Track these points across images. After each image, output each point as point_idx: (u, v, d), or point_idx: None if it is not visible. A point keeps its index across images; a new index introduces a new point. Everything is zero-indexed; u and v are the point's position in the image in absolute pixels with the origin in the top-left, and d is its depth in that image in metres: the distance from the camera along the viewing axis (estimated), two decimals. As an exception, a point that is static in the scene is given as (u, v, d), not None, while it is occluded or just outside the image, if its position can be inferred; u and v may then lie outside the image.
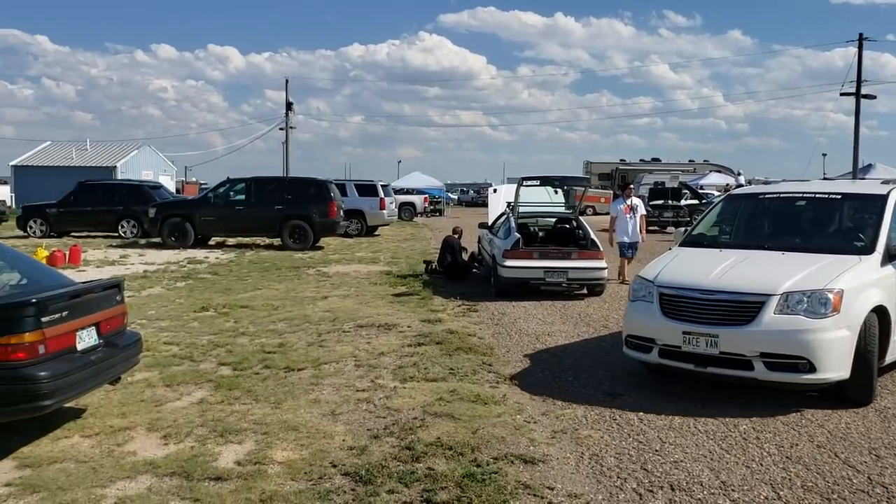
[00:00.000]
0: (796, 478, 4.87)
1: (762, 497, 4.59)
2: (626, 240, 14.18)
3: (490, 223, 15.45)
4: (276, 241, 21.79)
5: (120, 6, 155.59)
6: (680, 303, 6.63)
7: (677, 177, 34.60)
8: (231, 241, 22.85)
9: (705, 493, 4.66)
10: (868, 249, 6.90)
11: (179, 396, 6.67)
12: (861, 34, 40.85)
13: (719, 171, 46.73)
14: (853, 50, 41.09)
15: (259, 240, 22.73)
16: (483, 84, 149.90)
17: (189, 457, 5.16)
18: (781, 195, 8.41)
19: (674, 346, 6.56)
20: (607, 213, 42.11)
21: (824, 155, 72.08)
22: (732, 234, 8.24)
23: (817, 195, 8.10)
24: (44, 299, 5.16)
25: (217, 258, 18.77)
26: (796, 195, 8.42)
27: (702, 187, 33.56)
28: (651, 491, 4.69)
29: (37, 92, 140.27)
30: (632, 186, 16.01)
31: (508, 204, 14.44)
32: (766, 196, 8.50)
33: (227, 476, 4.84)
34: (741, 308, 6.32)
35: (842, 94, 41.04)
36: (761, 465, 5.11)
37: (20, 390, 4.94)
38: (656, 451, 5.38)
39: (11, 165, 49.72)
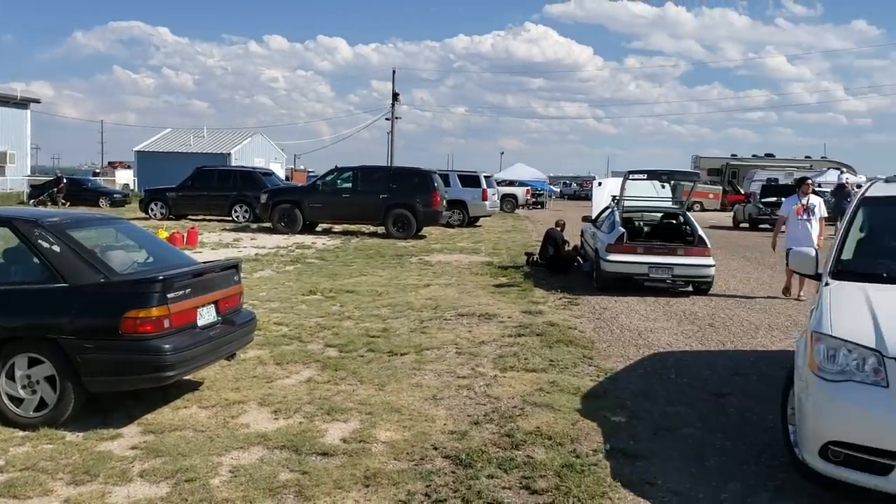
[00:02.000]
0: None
1: None
2: (792, 246, 10.79)
3: (594, 216, 15.30)
4: (381, 229, 22.22)
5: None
6: None
7: (792, 173, 33.31)
8: (337, 227, 23.45)
9: None
10: None
11: (289, 374, 6.95)
12: None
13: (838, 169, 44.53)
14: None
15: (364, 227, 23.24)
16: (589, 75, 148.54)
17: (298, 432, 5.39)
18: None
19: None
20: (717, 210, 40.92)
21: (957, 154, 67.61)
22: None
23: None
24: (169, 277, 5.49)
25: (324, 244, 19.31)
26: None
27: (819, 184, 32.10)
28: (756, 493, 4.60)
29: (157, 81, 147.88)
30: (810, 182, 12.73)
31: (613, 197, 14.28)
32: None
33: (333, 452, 5.03)
34: None
35: (978, 89, 38.53)
36: None
37: (146, 361, 5.29)
38: (761, 452, 5.26)
39: (135, 151, 52.68)
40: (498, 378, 6.92)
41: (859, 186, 26.14)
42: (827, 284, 5.19)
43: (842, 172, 35.36)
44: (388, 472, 4.72)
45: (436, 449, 5.12)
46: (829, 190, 27.29)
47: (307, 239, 20.30)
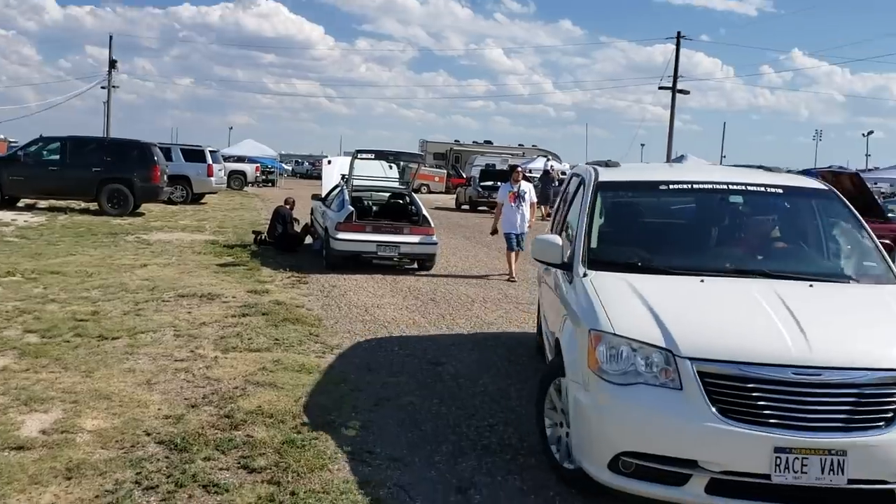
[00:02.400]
0: None
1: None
2: (509, 231, 12.59)
3: (324, 195, 15.34)
4: (93, 206, 20.50)
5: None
6: (758, 393, 3.75)
7: (507, 160, 35.78)
8: (43, 203, 21.28)
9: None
10: (887, 276, 4.87)
11: (-23, 365, 6.21)
12: (679, 32, 44.02)
13: (545, 157, 48.74)
14: (672, 46, 44.24)
15: (74, 203, 21.28)
16: (320, 54, 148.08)
17: (-13, 427, 4.84)
18: (697, 187, 5.74)
19: (749, 473, 3.71)
20: (442, 193, 42.94)
21: (643, 145, 77.17)
22: (652, 248, 5.36)
23: (749, 188, 5.60)
24: None
25: (26, 221, 17.44)
26: (720, 187, 5.69)
27: (530, 171, 34.86)
28: (466, 453, 4.91)
29: None
30: (519, 170, 13.64)
31: (343, 176, 14.39)
32: (674, 188, 5.79)
33: (30, 445, 4.59)
34: (876, 398, 3.76)
35: (660, 88, 44.24)
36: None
37: None
38: (472, 415, 5.63)
39: None
40: (219, 359, 6.72)
41: (564, 173, 28.63)
42: (585, 275, 4.79)
43: (548, 160, 38.67)
44: (93, 462, 4.39)
45: (148, 435, 4.87)
46: (538, 176, 29.69)
47: (6, 215, 18.18)
